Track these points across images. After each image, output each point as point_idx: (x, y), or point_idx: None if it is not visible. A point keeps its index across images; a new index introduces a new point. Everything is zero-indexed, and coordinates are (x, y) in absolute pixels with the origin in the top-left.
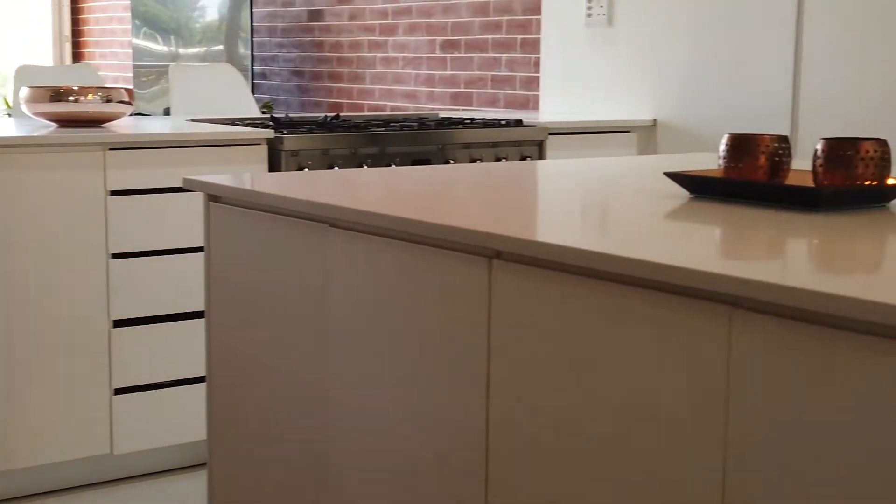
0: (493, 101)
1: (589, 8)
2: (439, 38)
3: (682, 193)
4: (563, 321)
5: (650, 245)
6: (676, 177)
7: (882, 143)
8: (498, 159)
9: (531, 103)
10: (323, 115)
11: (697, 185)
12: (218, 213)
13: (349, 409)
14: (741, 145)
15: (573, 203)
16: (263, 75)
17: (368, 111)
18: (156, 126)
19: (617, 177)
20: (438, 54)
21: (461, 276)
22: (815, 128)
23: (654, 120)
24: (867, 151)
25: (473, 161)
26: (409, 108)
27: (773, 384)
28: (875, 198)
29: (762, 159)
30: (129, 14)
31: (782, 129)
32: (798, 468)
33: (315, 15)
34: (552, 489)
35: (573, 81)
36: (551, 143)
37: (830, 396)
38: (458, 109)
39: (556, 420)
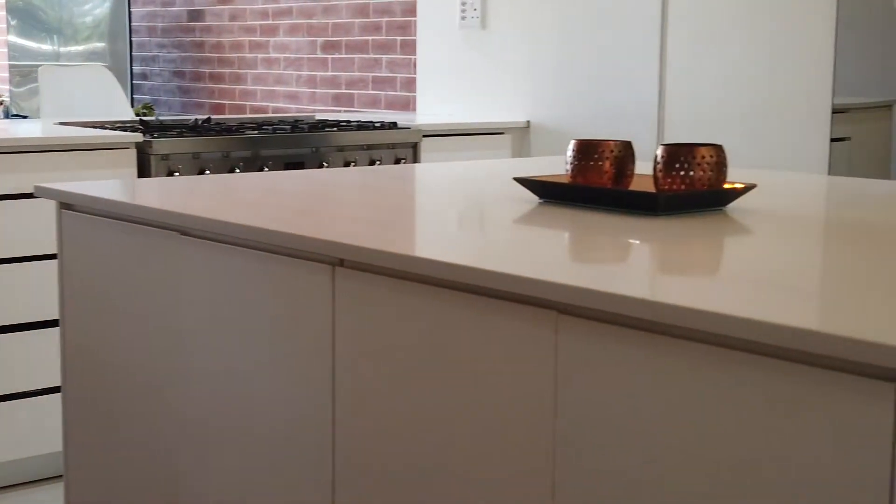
0: (374, 103)
1: (463, 11)
2: (320, 39)
3: (534, 198)
4: (402, 326)
5: (489, 251)
6: (525, 182)
7: (718, 149)
8: (372, 162)
9: (412, 105)
10: (194, 117)
11: (545, 190)
12: (71, 221)
13: (202, 415)
14: (587, 151)
15: (424, 209)
16: (144, 76)
17: (251, 112)
18: (22, 130)
19: (475, 181)
20: (320, 55)
21: (306, 284)
22: (681, 128)
23: (528, 122)
24: (703, 157)
25: (348, 164)
26: (292, 109)
27: (598, 387)
28: (712, 202)
29: (607, 165)
30: (4, 12)
31: (650, 130)
32: (623, 469)
33: (195, 15)
34: (395, 484)
35: (449, 83)
36: (426, 145)
37: (651, 399)
38: (339, 111)
39: (396, 419)
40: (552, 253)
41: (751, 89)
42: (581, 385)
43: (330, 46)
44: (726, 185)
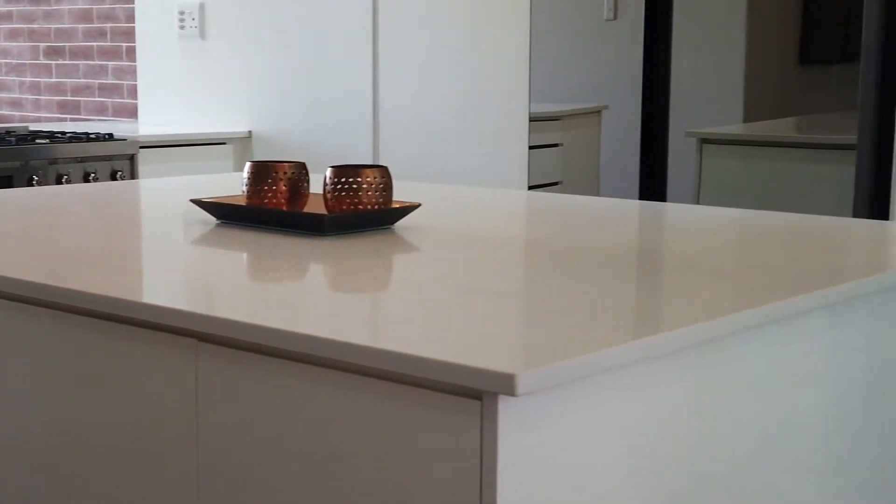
0: (101, 110)
1: (181, 20)
2: (43, 45)
3: (213, 219)
4: (59, 358)
5: (144, 279)
6: (201, 203)
7: (383, 171)
8: (87, 175)
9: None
10: None
11: (220, 212)
12: None
13: None
14: (262, 173)
15: (97, 233)
16: None
17: None
18: None
19: (167, 200)
20: (43, 61)
21: None
22: (395, 138)
23: (250, 132)
24: (368, 178)
25: (60, 178)
26: (15, 116)
27: (236, 412)
28: (377, 221)
29: (281, 186)
30: None
31: (366, 140)
32: (263, 482)
33: None
34: None
35: (171, 93)
36: (145, 156)
37: (282, 422)
38: (65, 119)
39: (51, 451)
40: (200, 279)
41: (456, 101)
42: (220, 410)
43: (53, 52)
44: (395, 204)
